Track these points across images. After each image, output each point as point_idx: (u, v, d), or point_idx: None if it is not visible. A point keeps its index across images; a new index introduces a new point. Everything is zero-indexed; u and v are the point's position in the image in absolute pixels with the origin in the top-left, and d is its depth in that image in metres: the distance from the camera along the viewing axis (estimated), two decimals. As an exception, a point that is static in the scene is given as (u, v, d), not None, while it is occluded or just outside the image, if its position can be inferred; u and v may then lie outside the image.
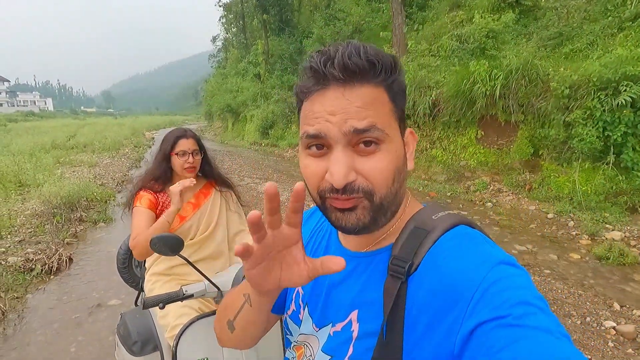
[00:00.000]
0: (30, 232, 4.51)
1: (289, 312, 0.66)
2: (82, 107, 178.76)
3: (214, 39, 37.67)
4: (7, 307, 3.02)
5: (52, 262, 3.76)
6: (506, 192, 6.30)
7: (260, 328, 0.63)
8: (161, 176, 1.55)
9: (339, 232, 0.61)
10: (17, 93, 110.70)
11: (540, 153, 6.03)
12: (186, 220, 1.55)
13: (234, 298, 0.61)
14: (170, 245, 1.04)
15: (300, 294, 0.64)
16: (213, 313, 1.27)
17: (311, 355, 0.57)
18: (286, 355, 0.65)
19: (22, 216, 4.96)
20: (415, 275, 0.48)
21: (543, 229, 4.75)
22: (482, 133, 7.06)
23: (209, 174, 1.69)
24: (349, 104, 0.46)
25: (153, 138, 20.73)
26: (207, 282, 1.23)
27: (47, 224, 4.78)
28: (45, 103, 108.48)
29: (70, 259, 3.98)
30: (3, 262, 3.59)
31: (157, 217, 1.49)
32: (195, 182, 1.51)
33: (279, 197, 0.40)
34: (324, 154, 0.49)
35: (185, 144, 1.54)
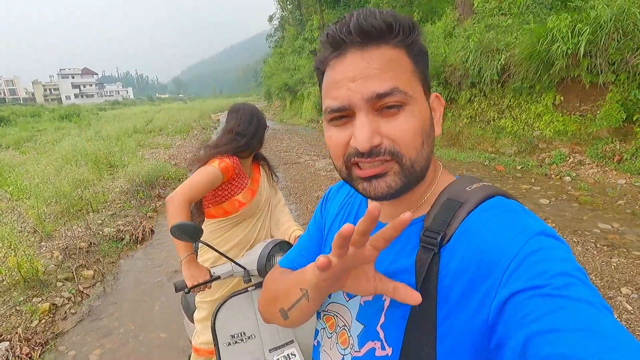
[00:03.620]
0: (119, 206, 5.17)
1: None
2: (157, 94, 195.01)
3: (271, 18, 38.00)
4: (105, 270, 3.56)
5: (138, 232, 4.29)
6: (589, 164, 5.60)
7: (313, 314, 0.63)
8: (250, 148, 1.57)
9: (369, 203, 0.60)
10: (104, 84, 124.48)
11: (634, 119, 5.20)
12: (255, 196, 1.60)
13: (288, 289, 0.58)
14: (189, 233, 1.09)
15: None
16: (245, 290, 1.34)
17: (345, 325, 0.58)
18: (316, 327, 0.66)
19: (112, 193, 5.69)
20: (447, 246, 0.47)
21: (635, 206, 4.16)
22: (562, 99, 6.26)
23: (259, 156, 1.73)
24: (368, 66, 0.45)
25: (218, 120, 22.00)
26: (232, 263, 1.29)
27: (133, 200, 5.44)
28: (127, 92, 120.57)
29: (152, 231, 4.50)
30: (100, 233, 4.20)
31: (227, 183, 1.49)
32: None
33: (376, 223, 0.40)
34: (347, 122, 0.48)
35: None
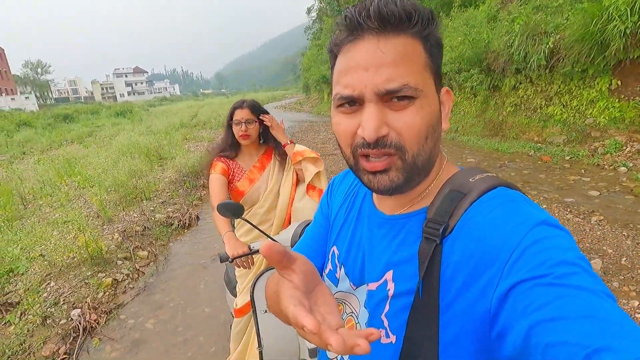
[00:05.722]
0: (169, 195, 5.61)
1: (326, 271, 0.68)
2: (201, 90, 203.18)
3: (309, 11, 37.97)
4: (157, 251, 3.93)
5: (185, 219, 4.66)
6: (648, 153, 5.15)
7: None
8: (229, 144, 1.72)
9: (374, 195, 0.62)
10: (154, 82, 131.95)
11: None
12: (255, 182, 1.73)
13: (275, 299, 0.53)
14: (232, 210, 1.25)
15: (336, 254, 0.66)
16: None
17: (352, 312, 0.60)
18: None
19: (162, 183, 6.17)
20: (450, 237, 0.47)
21: (699, 199, 3.80)
22: (618, 83, 5.78)
23: (268, 140, 1.80)
24: (382, 57, 0.45)
25: (258, 113, 22.55)
26: (269, 239, 1.42)
27: (180, 189, 5.87)
28: (174, 88, 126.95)
29: (197, 217, 4.85)
30: (152, 218, 4.61)
31: (229, 182, 1.68)
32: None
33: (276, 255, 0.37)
34: (356, 110, 0.48)
35: (239, 114, 1.67)
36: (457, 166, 0.57)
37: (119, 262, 3.55)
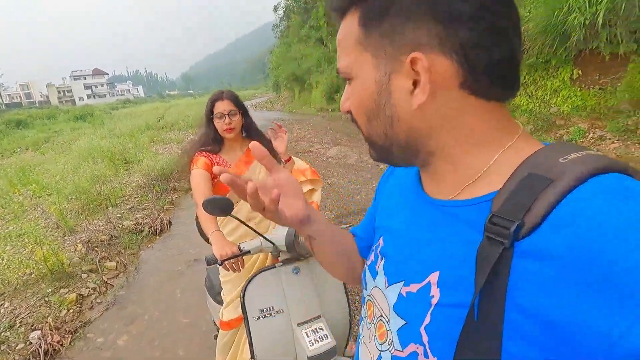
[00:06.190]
0: (137, 200, 5.28)
1: (368, 262, 0.59)
2: (166, 91, 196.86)
3: (276, 8, 37.59)
4: (127, 261, 3.65)
5: (156, 224, 4.38)
6: (610, 139, 5.42)
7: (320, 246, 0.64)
8: (211, 139, 1.60)
9: (422, 173, 0.51)
10: (115, 84, 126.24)
11: (658, 89, 4.99)
12: (230, 190, 1.62)
13: None
14: (220, 206, 1.07)
15: (380, 245, 0.56)
16: (273, 266, 1.35)
17: (382, 316, 0.50)
18: (362, 314, 0.60)
19: (129, 188, 5.80)
20: (527, 240, 0.34)
21: (659, 179, 4.02)
22: (579, 72, 6.05)
23: (252, 133, 1.71)
24: (338, 41, 0.47)
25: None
26: (262, 238, 1.29)
27: (149, 194, 5.54)
28: (138, 90, 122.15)
29: (170, 222, 4.58)
30: (120, 226, 4.30)
31: (213, 177, 1.57)
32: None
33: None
34: None
35: (221, 106, 1.56)
36: (538, 141, 0.43)
37: (84, 276, 3.26)
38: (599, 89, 5.82)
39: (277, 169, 0.55)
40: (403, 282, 0.47)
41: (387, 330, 0.48)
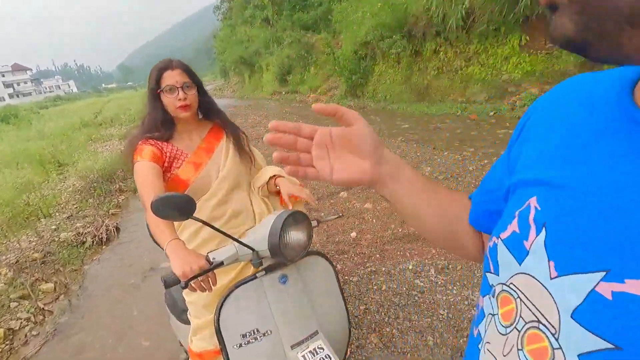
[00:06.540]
0: (76, 207, 4.63)
1: (505, 234, 0.38)
2: (103, 85, 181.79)
3: (215, -12, 35.42)
4: (67, 279, 3.13)
5: (101, 233, 3.83)
6: (560, 101, 5.63)
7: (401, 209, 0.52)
8: (160, 122, 1.24)
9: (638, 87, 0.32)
10: (41, 80, 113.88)
11: (601, 50, 5.20)
12: (202, 168, 1.27)
13: None
14: (178, 207, 0.77)
15: (535, 208, 0.35)
16: (254, 277, 1.06)
17: (539, 322, 0.31)
18: (482, 306, 0.41)
19: (65, 194, 5.09)
20: None
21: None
22: (527, 38, 6.19)
23: (211, 114, 1.36)
24: None
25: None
26: (236, 244, 0.99)
27: (90, 198, 4.88)
28: (69, 86, 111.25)
29: (118, 229, 4.05)
30: (56, 239, 3.70)
31: (164, 170, 1.23)
32: None
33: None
34: None
35: (171, 77, 1.21)
36: None
37: (13, 305, 2.72)
38: (546, 53, 5.99)
39: (357, 119, 0.48)
40: (605, 272, 0.28)
41: (552, 349, 0.30)
